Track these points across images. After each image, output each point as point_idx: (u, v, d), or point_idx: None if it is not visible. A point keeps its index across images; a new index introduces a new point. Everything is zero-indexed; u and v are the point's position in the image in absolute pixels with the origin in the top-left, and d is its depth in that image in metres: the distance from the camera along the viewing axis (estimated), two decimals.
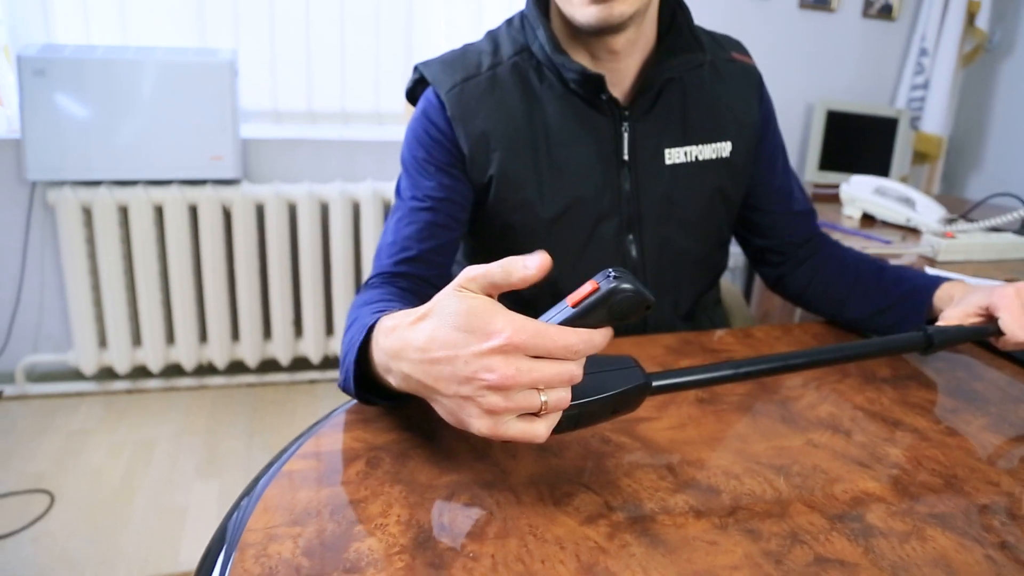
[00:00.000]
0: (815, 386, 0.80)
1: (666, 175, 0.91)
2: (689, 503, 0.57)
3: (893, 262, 1.28)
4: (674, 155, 0.91)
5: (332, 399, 2.31)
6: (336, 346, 2.37)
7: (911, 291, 0.90)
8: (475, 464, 0.61)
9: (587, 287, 0.51)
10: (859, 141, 2.56)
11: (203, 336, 2.30)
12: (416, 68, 0.91)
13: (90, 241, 2.13)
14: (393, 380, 0.57)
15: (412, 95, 0.93)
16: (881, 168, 2.54)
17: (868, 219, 1.66)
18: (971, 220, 1.50)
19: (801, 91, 2.69)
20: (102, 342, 2.23)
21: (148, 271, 2.16)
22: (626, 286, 0.50)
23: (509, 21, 0.92)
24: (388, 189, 2.26)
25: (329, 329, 2.37)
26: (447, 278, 0.90)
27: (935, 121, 2.67)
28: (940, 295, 0.87)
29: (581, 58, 0.87)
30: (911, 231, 1.54)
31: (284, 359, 2.35)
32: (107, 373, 2.30)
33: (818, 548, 0.52)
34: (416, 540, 0.51)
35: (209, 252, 2.18)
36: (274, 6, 2.22)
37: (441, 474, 0.59)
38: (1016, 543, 0.54)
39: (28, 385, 2.24)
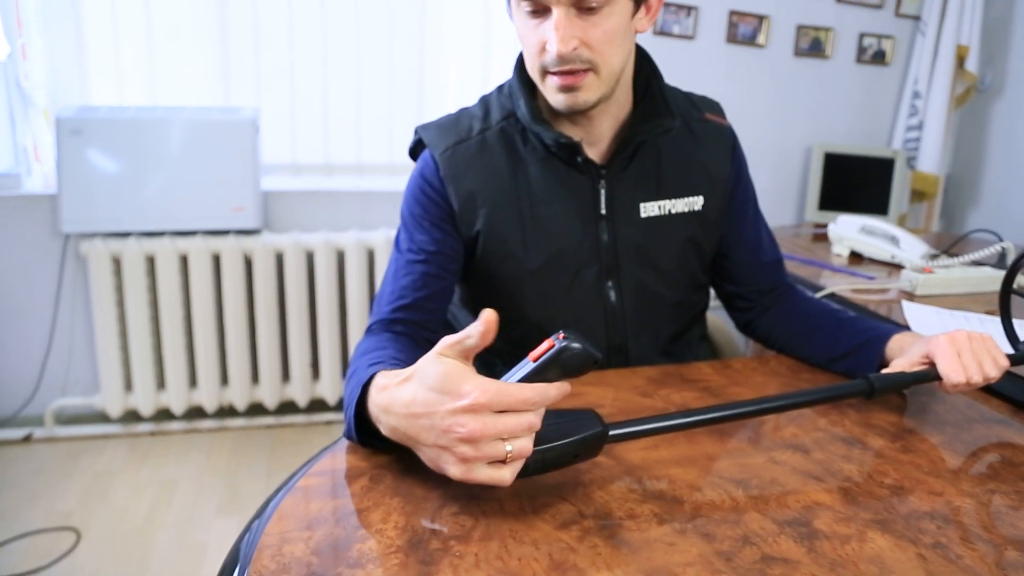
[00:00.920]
0: None
1: (641, 227, 1.00)
2: (654, 511, 0.64)
3: (876, 297, 1.36)
4: (648, 208, 1.00)
5: None
6: None
7: (866, 342, 0.97)
8: None
9: (545, 344, 0.61)
10: (857, 181, 2.65)
11: (224, 379, 2.39)
12: (416, 131, 1.01)
13: (119, 289, 2.25)
14: (384, 430, 0.67)
15: (413, 153, 1.03)
16: (880, 207, 2.62)
17: (856, 256, 1.73)
18: (954, 255, 1.57)
19: (800, 135, 2.79)
20: (128, 386, 2.33)
21: (173, 317, 2.26)
22: (575, 345, 0.60)
23: (500, 88, 1.03)
24: None
25: (345, 371, 2.45)
26: (441, 322, 1.00)
27: (931, 160, 2.75)
28: (892, 345, 0.94)
29: (562, 122, 0.97)
30: (896, 267, 1.61)
31: (302, 401, 2.43)
32: (132, 416, 2.39)
33: (766, 548, 0.59)
34: (410, 542, 0.59)
35: (231, 299, 2.29)
36: (294, 66, 2.37)
37: (435, 488, 0.66)
38: (948, 543, 0.61)
39: (56, 428, 2.34)
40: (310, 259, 2.35)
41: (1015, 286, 0.94)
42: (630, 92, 0.98)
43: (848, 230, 1.72)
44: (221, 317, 2.34)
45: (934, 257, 1.54)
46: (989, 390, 0.95)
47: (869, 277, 1.51)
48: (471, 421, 0.57)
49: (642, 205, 0.99)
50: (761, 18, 2.61)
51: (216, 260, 2.29)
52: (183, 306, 2.29)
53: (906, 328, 0.98)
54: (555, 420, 0.63)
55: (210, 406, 2.36)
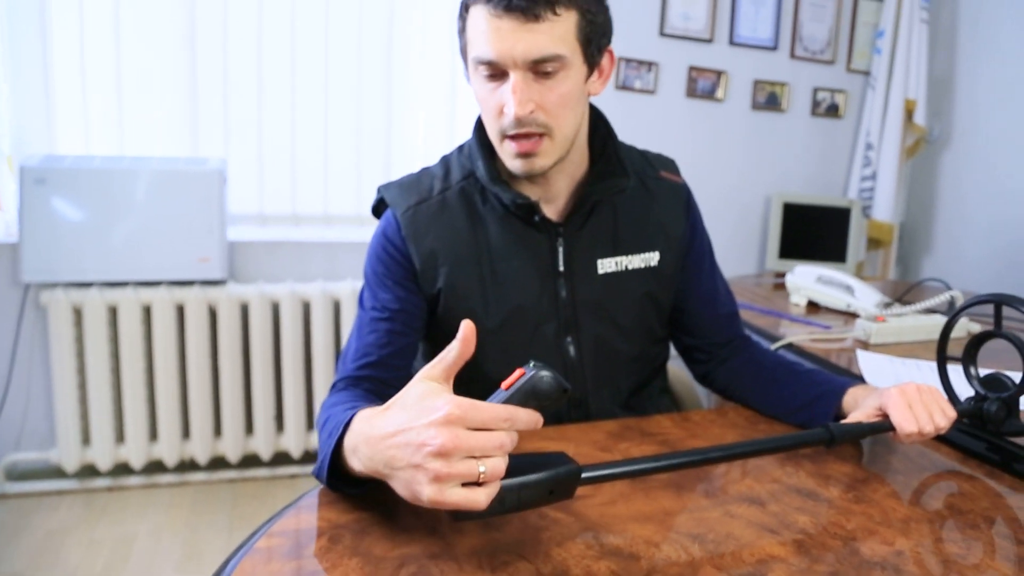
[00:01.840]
0: (740, 462, 0.88)
1: (599, 283, 1.02)
2: (611, 568, 0.64)
3: (832, 347, 1.40)
4: (605, 265, 1.02)
5: None
6: (316, 440, 2.42)
7: (821, 395, 0.99)
8: (425, 539, 0.68)
9: (516, 373, 0.63)
10: (816, 230, 2.73)
11: (186, 432, 2.35)
12: (379, 190, 1.03)
13: (79, 340, 2.21)
14: (358, 462, 0.67)
15: (376, 211, 1.05)
16: (838, 254, 2.69)
17: (814, 306, 1.77)
18: (907, 303, 1.62)
19: (758, 185, 2.87)
20: (85, 439, 2.27)
21: (134, 369, 2.22)
22: (544, 373, 0.62)
23: (460, 148, 1.05)
24: None
25: (310, 424, 2.42)
26: (406, 379, 1.00)
27: (885, 209, 2.85)
28: (847, 398, 0.97)
29: (520, 182, 0.99)
30: (852, 315, 1.65)
31: (265, 454, 2.39)
32: (89, 470, 2.32)
33: None
34: None
35: (194, 350, 2.26)
36: (262, 116, 2.39)
37: (394, 547, 0.66)
38: None
39: (7, 484, 2.26)
40: (276, 310, 2.34)
41: (963, 332, 0.97)
42: (586, 152, 1.02)
43: (805, 280, 1.76)
44: (184, 369, 2.30)
45: (888, 305, 1.59)
46: (941, 439, 0.97)
47: (826, 326, 1.55)
48: (444, 433, 0.58)
49: (599, 262, 1.02)
50: (719, 73, 2.71)
51: (180, 311, 2.27)
52: (145, 357, 2.25)
53: (860, 380, 1.01)
54: (529, 459, 0.64)
55: (170, 460, 2.31)
